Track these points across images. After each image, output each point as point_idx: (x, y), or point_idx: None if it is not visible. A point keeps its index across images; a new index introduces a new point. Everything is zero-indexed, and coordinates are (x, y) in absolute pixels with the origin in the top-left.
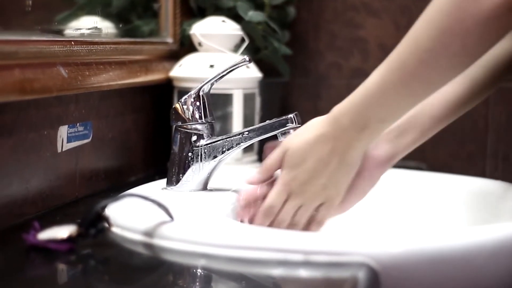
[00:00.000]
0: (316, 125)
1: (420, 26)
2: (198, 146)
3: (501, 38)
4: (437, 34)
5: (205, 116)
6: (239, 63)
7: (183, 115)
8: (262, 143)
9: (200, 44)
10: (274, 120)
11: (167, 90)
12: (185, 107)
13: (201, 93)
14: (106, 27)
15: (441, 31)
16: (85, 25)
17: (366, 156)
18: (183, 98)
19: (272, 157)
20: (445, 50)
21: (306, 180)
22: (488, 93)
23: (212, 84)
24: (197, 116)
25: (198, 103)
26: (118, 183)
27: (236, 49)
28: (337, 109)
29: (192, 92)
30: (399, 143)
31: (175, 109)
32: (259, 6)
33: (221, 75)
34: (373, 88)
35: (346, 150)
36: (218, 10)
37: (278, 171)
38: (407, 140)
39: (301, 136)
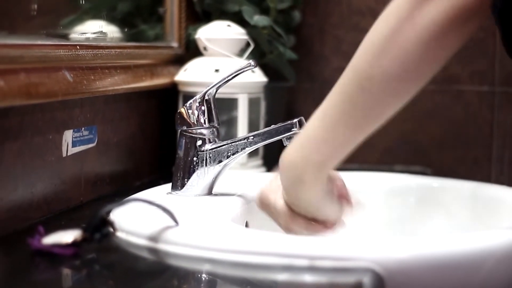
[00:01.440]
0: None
1: (359, 53)
2: (203, 151)
3: (446, 59)
4: (375, 60)
5: (210, 121)
6: (245, 68)
7: (188, 120)
8: (267, 148)
9: (205, 48)
10: (279, 124)
11: (172, 94)
12: (190, 111)
13: (206, 98)
14: (112, 31)
15: (377, 55)
16: (91, 29)
17: None
18: (188, 102)
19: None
20: (384, 75)
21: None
22: None
23: (217, 89)
24: (202, 120)
25: (203, 108)
26: (123, 187)
27: (241, 53)
28: (286, 158)
29: (198, 96)
30: None
31: (180, 113)
32: (264, 11)
33: (227, 79)
34: (317, 128)
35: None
36: (224, 15)
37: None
38: None
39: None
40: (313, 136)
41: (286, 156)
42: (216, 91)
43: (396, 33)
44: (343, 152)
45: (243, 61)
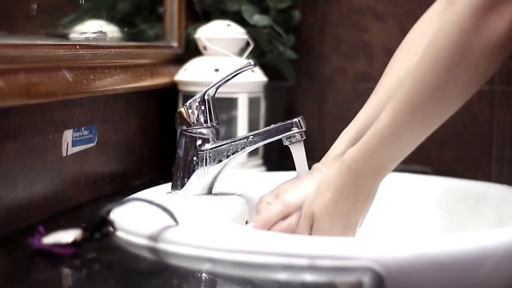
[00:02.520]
0: (334, 180)
1: (426, 65)
2: (203, 150)
3: (507, 56)
4: (445, 71)
5: (210, 120)
6: (244, 67)
7: (188, 119)
8: (267, 147)
9: (205, 48)
10: (279, 124)
11: (172, 94)
12: (190, 111)
13: (206, 97)
14: (111, 31)
15: (449, 67)
16: (90, 29)
17: None
18: (188, 102)
19: (296, 223)
20: (456, 84)
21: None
22: None
23: (217, 88)
24: (202, 120)
25: (203, 107)
26: (123, 187)
27: (241, 53)
28: (351, 158)
29: (197, 96)
30: None
31: (180, 113)
32: (264, 10)
33: (226, 79)
34: (385, 132)
35: (367, 197)
36: (223, 14)
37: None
38: None
39: (324, 197)
40: (384, 140)
41: (360, 153)
42: (216, 91)
43: (464, 46)
44: (403, 157)
45: (243, 61)
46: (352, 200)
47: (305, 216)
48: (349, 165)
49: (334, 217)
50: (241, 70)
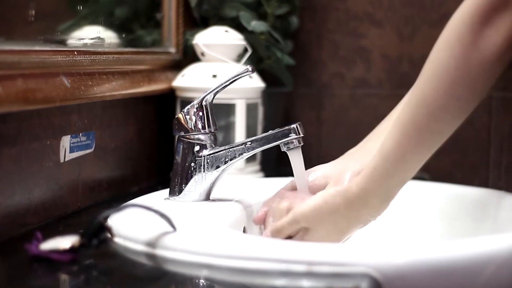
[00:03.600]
0: (338, 207)
1: (427, 84)
2: (201, 156)
3: (503, 69)
4: (447, 89)
5: (208, 126)
6: (242, 73)
7: (186, 125)
8: (265, 153)
9: (203, 54)
10: (277, 130)
11: (170, 100)
12: (187, 117)
13: (204, 103)
14: (109, 37)
15: (450, 85)
16: (88, 35)
17: None
18: (186, 108)
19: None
20: (457, 101)
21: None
22: None
23: (215, 94)
24: (199, 126)
25: (201, 113)
26: (121, 193)
27: (239, 59)
28: (359, 187)
29: (195, 102)
30: None
31: (178, 119)
32: (262, 16)
33: (224, 85)
34: (392, 157)
35: (368, 221)
36: (221, 20)
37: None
38: None
39: (325, 219)
40: (391, 166)
41: (369, 183)
42: (214, 97)
43: (464, 61)
44: (409, 179)
45: (240, 67)
46: (353, 224)
47: (301, 233)
48: (359, 195)
49: (329, 233)
50: (239, 76)
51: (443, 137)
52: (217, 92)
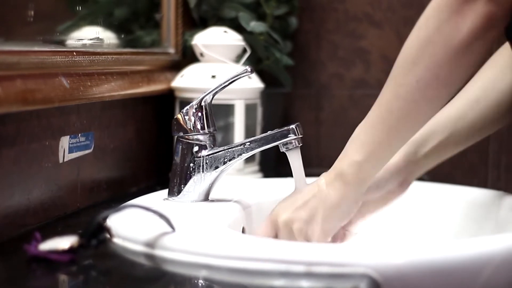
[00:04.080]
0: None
1: (397, 62)
2: (200, 157)
3: (475, 65)
4: (410, 68)
5: (207, 127)
6: (241, 74)
7: (185, 126)
8: (263, 153)
9: (202, 54)
10: (275, 130)
11: (169, 100)
12: (186, 117)
13: (203, 104)
14: (108, 37)
15: (413, 65)
16: (87, 35)
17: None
18: (185, 108)
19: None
20: (418, 83)
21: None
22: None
23: (214, 95)
24: (198, 126)
25: (200, 114)
26: (120, 193)
27: (238, 59)
28: (338, 170)
29: (194, 102)
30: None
31: (177, 119)
32: (261, 17)
33: (223, 85)
34: (358, 131)
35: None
36: (220, 21)
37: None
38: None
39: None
40: (355, 138)
41: (347, 164)
42: (213, 97)
43: (427, 44)
44: (380, 156)
45: (239, 67)
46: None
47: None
48: (336, 176)
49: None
50: (238, 76)
51: (408, 122)
52: (216, 92)
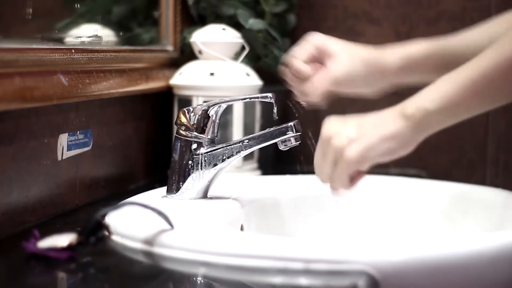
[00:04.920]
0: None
1: (505, 38)
2: (198, 154)
3: None
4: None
5: (211, 133)
6: (262, 97)
7: (187, 124)
8: (262, 151)
9: (200, 52)
10: (274, 128)
11: (167, 98)
12: (189, 116)
13: (210, 112)
14: (107, 35)
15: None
16: (86, 33)
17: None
18: (191, 108)
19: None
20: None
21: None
22: None
23: (220, 106)
24: (200, 130)
25: (204, 119)
26: (118, 191)
27: (236, 57)
28: (405, 110)
29: (200, 106)
30: None
31: (179, 116)
32: (259, 14)
33: (239, 99)
34: (448, 94)
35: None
36: (219, 18)
37: None
38: None
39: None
40: (434, 88)
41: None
42: (221, 108)
43: None
44: (451, 113)
45: (238, 65)
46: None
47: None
48: (408, 114)
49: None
50: (259, 98)
51: (496, 94)
52: (228, 104)
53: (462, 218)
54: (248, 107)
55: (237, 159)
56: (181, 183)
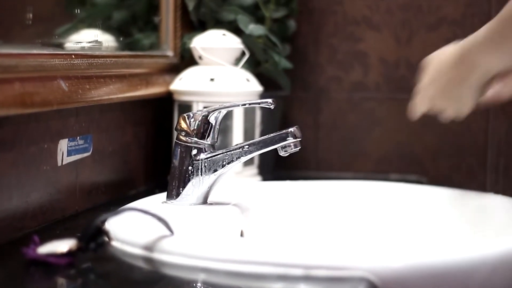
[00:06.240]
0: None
1: None
2: (198, 160)
3: None
4: None
5: (211, 138)
6: (263, 102)
7: (187, 129)
8: (262, 156)
9: (200, 57)
10: (274, 133)
11: (167, 103)
12: (189, 121)
13: (210, 118)
14: (107, 40)
15: None
16: (86, 38)
17: None
18: (191, 113)
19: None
20: None
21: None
22: None
23: (220, 112)
24: (200, 134)
25: (204, 125)
26: (118, 196)
27: (236, 62)
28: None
29: (201, 111)
30: None
31: (179, 122)
32: (259, 20)
33: (239, 105)
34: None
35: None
36: (219, 24)
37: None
38: None
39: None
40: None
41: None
42: (220, 114)
43: None
44: (499, 44)
45: (238, 70)
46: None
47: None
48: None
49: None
50: (260, 104)
51: None
52: (228, 109)
53: (461, 224)
54: (248, 112)
55: (237, 164)
56: (181, 188)
